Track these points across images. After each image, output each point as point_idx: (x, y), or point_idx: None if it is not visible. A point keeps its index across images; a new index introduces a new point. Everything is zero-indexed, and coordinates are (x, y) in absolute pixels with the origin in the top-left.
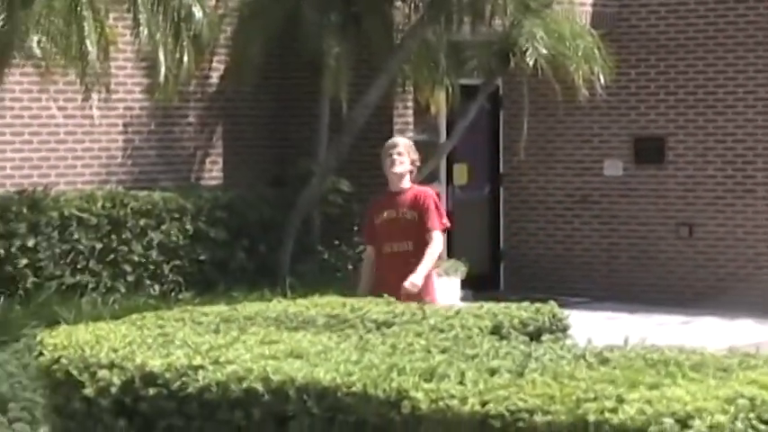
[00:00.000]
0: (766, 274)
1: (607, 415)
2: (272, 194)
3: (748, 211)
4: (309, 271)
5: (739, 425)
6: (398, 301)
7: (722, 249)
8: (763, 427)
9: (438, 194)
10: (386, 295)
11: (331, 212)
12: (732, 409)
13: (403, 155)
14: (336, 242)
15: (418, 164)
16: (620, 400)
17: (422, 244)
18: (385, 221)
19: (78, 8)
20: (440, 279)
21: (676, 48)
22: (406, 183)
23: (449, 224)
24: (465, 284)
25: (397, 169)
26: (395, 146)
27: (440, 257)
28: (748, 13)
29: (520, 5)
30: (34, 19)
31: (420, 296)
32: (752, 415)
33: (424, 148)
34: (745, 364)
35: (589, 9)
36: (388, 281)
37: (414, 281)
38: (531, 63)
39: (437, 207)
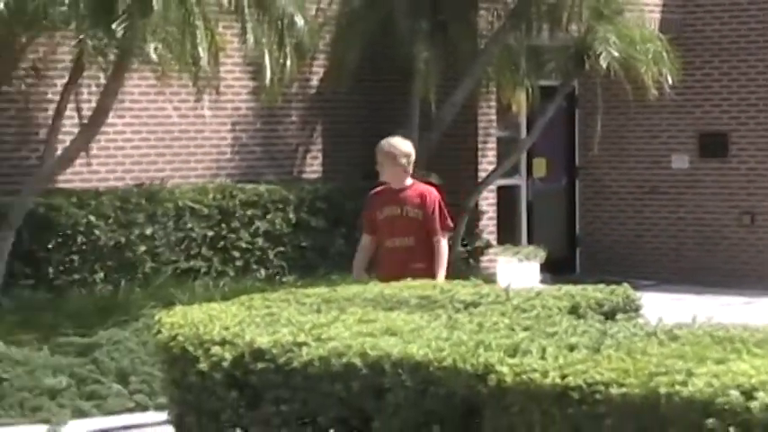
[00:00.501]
0: None
1: (677, 388)
2: (367, 186)
3: None
4: None
5: None
6: None
7: None
8: None
9: (440, 192)
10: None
11: None
12: None
13: (380, 163)
14: None
15: (407, 161)
16: (690, 374)
17: (423, 240)
18: (388, 218)
19: (191, 18)
20: (520, 264)
21: (738, 50)
22: (407, 180)
23: (452, 225)
24: (544, 268)
25: (382, 178)
26: (376, 154)
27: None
28: None
29: (594, 13)
30: (152, 28)
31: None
32: None
33: (507, 144)
34: None
35: (657, 15)
36: (390, 274)
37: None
38: (604, 65)
39: (441, 209)
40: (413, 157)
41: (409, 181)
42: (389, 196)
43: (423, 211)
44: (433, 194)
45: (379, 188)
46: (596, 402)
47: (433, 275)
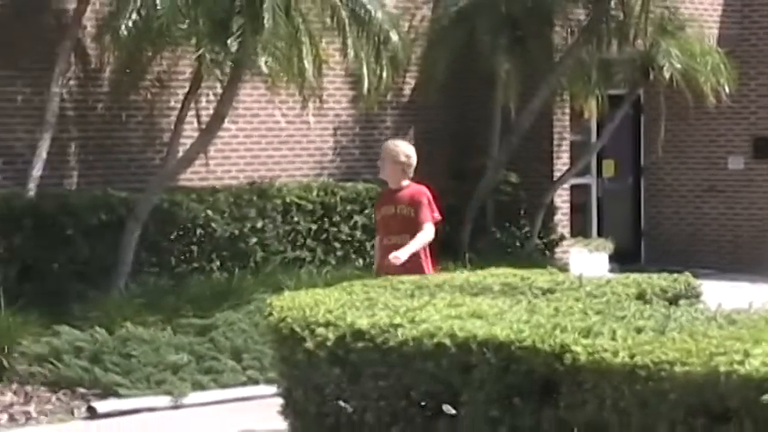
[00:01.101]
0: None
1: (735, 366)
2: (454, 185)
3: None
4: (485, 248)
5: None
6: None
7: None
8: None
9: (431, 191)
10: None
11: (502, 200)
12: None
13: (385, 159)
14: (507, 224)
15: (406, 161)
16: (747, 355)
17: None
18: (385, 216)
19: (298, 34)
20: (591, 255)
21: None
22: (404, 181)
23: (440, 217)
24: (612, 259)
25: (381, 175)
26: (381, 152)
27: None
28: None
29: (658, 29)
30: (263, 44)
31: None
32: None
33: (579, 147)
34: None
35: (715, 31)
36: (388, 269)
37: (397, 254)
38: (667, 76)
39: (429, 202)
40: (413, 161)
41: (406, 182)
42: (387, 196)
43: (413, 207)
44: (422, 191)
45: (382, 192)
46: (661, 379)
47: (424, 270)
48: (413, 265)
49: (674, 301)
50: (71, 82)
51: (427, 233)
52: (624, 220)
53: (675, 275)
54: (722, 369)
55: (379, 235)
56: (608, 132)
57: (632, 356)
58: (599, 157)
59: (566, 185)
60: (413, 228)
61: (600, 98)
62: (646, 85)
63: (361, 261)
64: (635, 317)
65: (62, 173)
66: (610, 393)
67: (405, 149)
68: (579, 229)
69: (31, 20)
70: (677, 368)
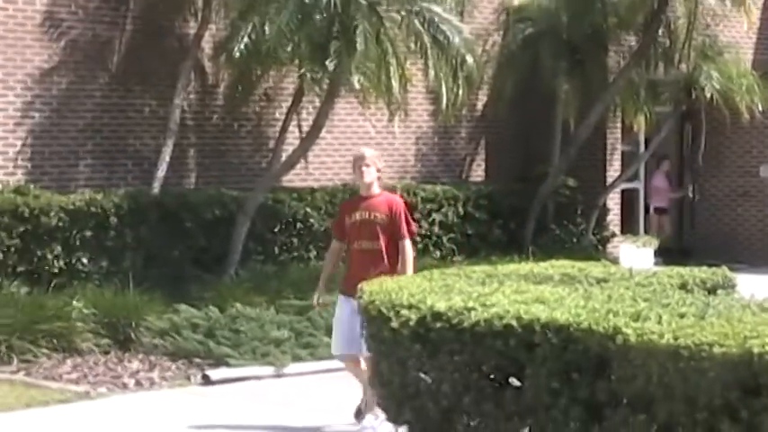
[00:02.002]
0: None
1: (767, 348)
2: (520, 188)
3: None
4: (546, 243)
5: None
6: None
7: None
8: None
9: (406, 202)
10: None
11: (561, 201)
12: None
13: (370, 165)
14: (565, 222)
15: (382, 171)
16: None
17: (389, 244)
18: (358, 222)
19: (386, 56)
20: (638, 250)
21: None
22: (376, 188)
23: (416, 230)
24: (656, 253)
25: (366, 178)
26: (363, 158)
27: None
28: None
29: (700, 54)
30: (356, 64)
31: None
32: None
33: (629, 156)
34: None
35: (750, 56)
36: (358, 274)
37: None
38: (707, 95)
39: (406, 216)
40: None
41: (377, 190)
42: (359, 203)
43: (389, 216)
44: (398, 202)
45: (350, 198)
46: (702, 359)
47: (397, 275)
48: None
49: (712, 290)
50: (191, 96)
51: (409, 252)
52: (671, 220)
53: (713, 269)
54: (755, 350)
55: (344, 240)
56: (655, 144)
57: (676, 338)
58: (647, 165)
59: (617, 190)
60: (385, 235)
61: (647, 114)
62: (688, 103)
63: (438, 253)
64: (678, 304)
65: (182, 174)
66: (656, 370)
67: (379, 160)
68: (628, 228)
69: (158, 43)
70: (716, 349)
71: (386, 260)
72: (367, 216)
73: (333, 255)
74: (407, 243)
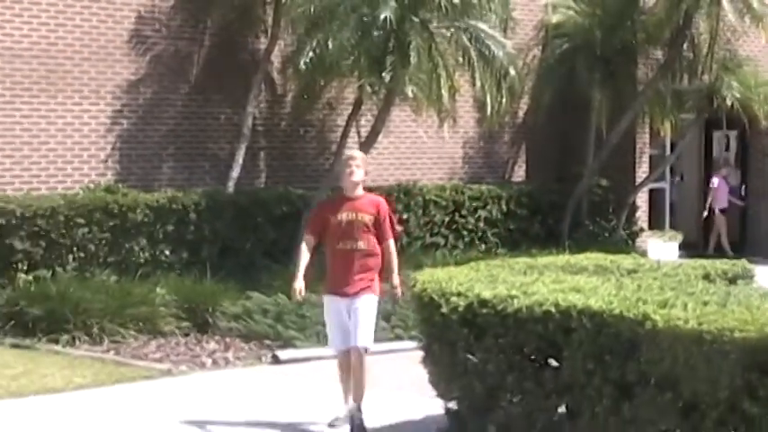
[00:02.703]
0: None
1: None
2: (557, 187)
3: None
4: (581, 237)
5: None
6: (352, 293)
7: None
8: None
9: (389, 203)
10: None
11: (594, 199)
12: None
13: (360, 167)
14: (598, 218)
15: (368, 174)
16: None
17: (372, 244)
18: (344, 222)
19: (437, 69)
20: (664, 244)
21: None
22: (360, 190)
23: (399, 230)
24: (681, 247)
25: (355, 178)
26: (354, 158)
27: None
28: None
29: (721, 66)
30: (409, 76)
31: (373, 287)
32: None
33: (656, 159)
34: None
35: (765, 66)
36: (341, 273)
37: (398, 285)
38: (728, 104)
39: (391, 218)
40: (368, 173)
41: (361, 191)
42: (344, 203)
43: (374, 217)
44: (384, 204)
45: (328, 198)
46: (724, 342)
47: (379, 274)
48: (374, 285)
49: (732, 281)
50: (261, 104)
51: (393, 251)
52: (690, 217)
53: (734, 261)
54: None
55: (314, 236)
56: (679, 148)
57: (700, 324)
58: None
59: (645, 189)
60: (369, 235)
61: (673, 121)
62: (710, 111)
63: (483, 246)
64: (702, 293)
65: (254, 174)
66: (681, 353)
67: (367, 162)
68: (655, 224)
69: (232, 57)
70: (736, 334)
71: (370, 260)
72: (354, 217)
73: (307, 249)
74: (392, 243)
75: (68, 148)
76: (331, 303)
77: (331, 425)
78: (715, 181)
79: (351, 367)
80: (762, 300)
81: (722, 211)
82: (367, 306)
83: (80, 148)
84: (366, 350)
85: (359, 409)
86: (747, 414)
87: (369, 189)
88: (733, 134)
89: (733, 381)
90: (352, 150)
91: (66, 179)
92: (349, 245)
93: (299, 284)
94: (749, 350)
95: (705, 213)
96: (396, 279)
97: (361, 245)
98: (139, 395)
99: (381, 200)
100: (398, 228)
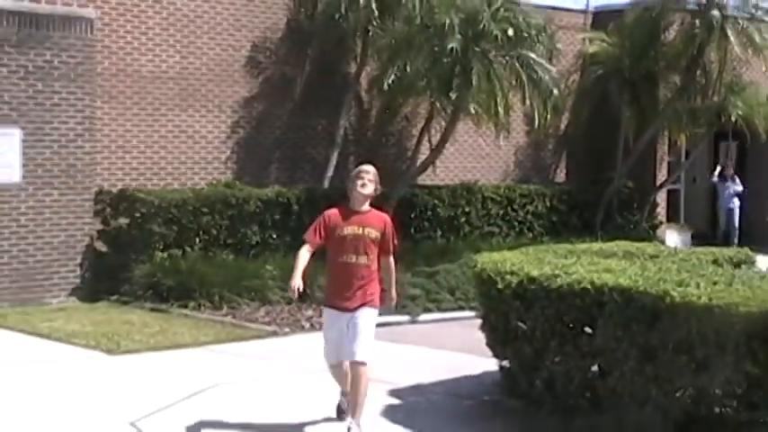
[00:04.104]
0: None
1: None
2: (592, 187)
3: None
4: (611, 228)
5: None
6: (351, 307)
7: None
8: None
9: (393, 221)
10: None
11: (622, 198)
12: None
13: (372, 181)
14: (625, 213)
15: (379, 191)
16: None
17: (374, 259)
18: (350, 236)
19: (494, 90)
20: (680, 234)
21: None
22: (367, 205)
23: (397, 244)
24: (694, 237)
25: (366, 191)
26: (368, 172)
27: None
28: None
29: (728, 89)
30: (472, 95)
31: (373, 300)
32: None
33: (674, 165)
34: None
35: (766, 90)
36: (342, 287)
37: (393, 299)
38: (734, 120)
39: (394, 234)
40: (379, 190)
41: (368, 206)
42: (351, 216)
43: (380, 232)
44: (389, 220)
45: (333, 209)
46: (731, 315)
47: (381, 289)
48: (375, 298)
49: (737, 265)
50: (351, 118)
51: (393, 268)
52: (702, 212)
53: (738, 249)
54: None
55: (313, 246)
56: (693, 156)
57: (710, 299)
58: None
59: (664, 189)
60: (374, 251)
61: (688, 133)
62: (719, 125)
63: (530, 234)
64: (712, 274)
65: (344, 174)
66: (695, 323)
67: (378, 178)
68: (672, 217)
69: (328, 79)
70: (741, 308)
71: (371, 275)
72: (360, 232)
73: (304, 256)
74: (392, 260)
75: (196, 151)
76: (331, 318)
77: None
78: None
79: (347, 377)
80: (761, 281)
81: None
82: (366, 320)
83: (205, 152)
84: (365, 364)
85: (358, 425)
86: (750, 375)
87: (377, 205)
88: (734, 144)
89: (738, 347)
90: (367, 165)
91: (194, 176)
92: (353, 258)
93: (297, 282)
94: (751, 322)
95: None
96: (393, 294)
97: (364, 260)
98: (251, 350)
99: (387, 217)
100: (396, 243)
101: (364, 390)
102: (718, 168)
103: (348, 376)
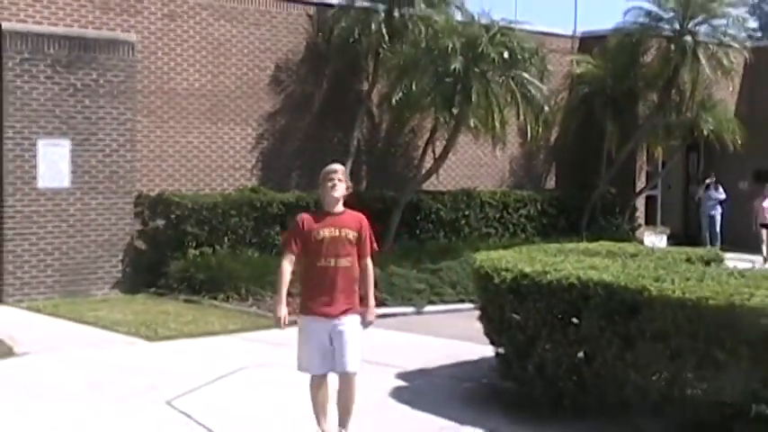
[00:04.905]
0: None
1: (745, 301)
2: (578, 193)
3: None
4: (595, 230)
5: None
6: (335, 314)
7: None
8: None
9: (370, 221)
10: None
11: (605, 202)
12: None
13: (342, 180)
14: (608, 216)
15: (350, 189)
16: (752, 294)
17: (354, 261)
18: (327, 239)
19: (491, 106)
20: (657, 235)
21: None
22: (341, 206)
23: (377, 248)
24: (668, 238)
25: (337, 193)
26: (336, 171)
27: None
28: None
29: (700, 107)
30: (471, 111)
31: (356, 306)
32: None
33: (651, 174)
34: None
35: (733, 107)
36: (322, 292)
37: (372, 315)
38: (705, 134)
39: (371, 235)
40: (350, 188)
41: (342, 207)
42: (325, 218)
43: (357, 233)
44: (366, 221)
45: (305, 214)
46: (702, 308)
47: (360, 293)
48: (355, 306)
49: (708, 263)
50: (363, 130)
51: (371, 271)
52: (677, 216)
53: (708, 248)
54: (737, 302)
55: (295, 256)
56: (669, 166)
57: (684, 293)
58: (663, 180)
59: (643, 195)
60: (352, 252)
61: (664, 146)
62: (691, 138)
63: (523, 235)
64: (685, 271)
65: (358, 180)
66: (670, 314)
67: (347, 176)
68: (650, 220)
69: (342, 96)
70: (711, 301)
71: (352, 278)
72: (337, 233)
73: (287, 272)
74: (370, 262)
75: (225, 160)
76: (310, 325)
77: None
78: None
79: (329, 391)
80: (728, 277)
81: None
82: (353, 328)
83: (233, 161)
84: (356, 374)
85: None
86: (718, 360)
87: (349, 206)
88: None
89: (707, 335)
90: (334, 164)
91: (223, 182)
92: (332, 262)
93: (283, 312)
94: (720, 313)
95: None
96: (371, 300)
97: (345, 262)
98: (274, 338)
99: (362, 216)
100: (376, 247)
101: (354, 398)
102: (706, 181)
103: (327, 389)
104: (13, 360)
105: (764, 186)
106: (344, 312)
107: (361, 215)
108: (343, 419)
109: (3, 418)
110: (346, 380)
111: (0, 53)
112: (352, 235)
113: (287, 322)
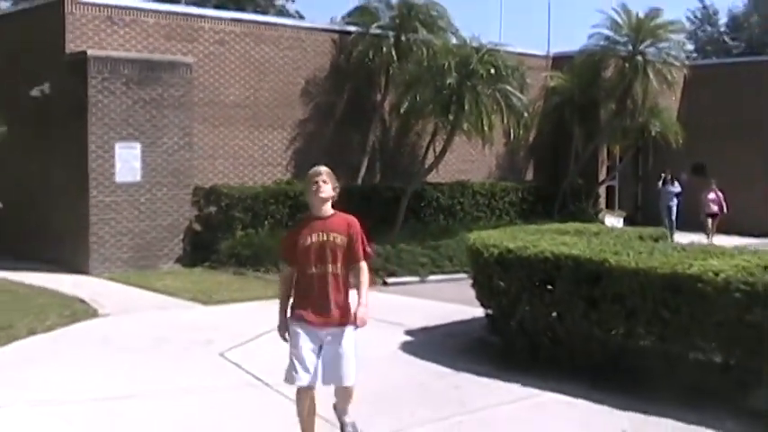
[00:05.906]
0: None
1: (686, 269)
2: (552, 184)
3: None
4: (565, 214)
5: None
6: (330, 321)
7: None
8: None
9: (361, 223)
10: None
11: (574, 191)
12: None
13: (327, 182)
14: (576, 202)
15: (338, 190)
16: (691, 264)
17: (347, 265)
18: (315, 244)
19: (481, 114)
20: (615, 218)
21: (732, 133)
22: (329, 208)
23: (370, 252)
24: (626, 220)
25: (324, 194)
26: (319, 174)
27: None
28: None
29: (650, 113)
30: (465, 118)
31: (349, 316)
32: None
33: (610, 168)
34: None
35: (675, 113)
36: (314, 300)
37: (364, 314)
38: (653, 135)
39: (363, 238)
40: (338, 189)
41: (331, 210)
42: (313, 223)
43: (347, 237)
44: (356, 223)
45: (299, 220)
46: (651, 275)
47: (351, 300)
48: (347, 314)
49: (656, 240)
50: (377, 133)
51: (366, 274)
52: (627, 202)
53: (656, 228)
54: (679, 270)
55: (292, 265)
56: (624, 162)
57: (637, 264)
58: (620, 174)
59: (604, 186)
60: (344, 257)
61: (621, 145)
62: (643, 139)
63: (507, 218)
64: (638, 246)
65: (372, 175)
66: (627, 282)
67: (334, 177)
68: (609, 205)
69: (360, 105)
70: (658, 270)
71: (344, 284)
72: (325, 238)
73: (286, 284)
74: (364, 266)
75: (265, 158)
76: (301, 334)
77: None
78: (711, 193)
79: (315, 402)
80: (672, 251)
81: (713, 215)
82: (348, 340)
83: (271, 159)
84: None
85: (350, 419)
86: (663, 318)
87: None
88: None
89: (655, 297)
90: (318, 166)
91: (263, 177)
92: (322, 269)
93: (283, 329)
94: (665, 280)
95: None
96: (363, 299)
97: (335, 268)
98: None
99: (352, 218)
100: (369, 250)
101: (352, 398)
102: (662, 176)
103: (314, 401)
104: (98, 320)
105: (707, 179)
106: (336, 323)
107: (351, 218)
108: (344, 414)
109: (93, 364)
110: (344, 393)
111: (86, 74)
112: (340, 239)
113: (287, 337)
